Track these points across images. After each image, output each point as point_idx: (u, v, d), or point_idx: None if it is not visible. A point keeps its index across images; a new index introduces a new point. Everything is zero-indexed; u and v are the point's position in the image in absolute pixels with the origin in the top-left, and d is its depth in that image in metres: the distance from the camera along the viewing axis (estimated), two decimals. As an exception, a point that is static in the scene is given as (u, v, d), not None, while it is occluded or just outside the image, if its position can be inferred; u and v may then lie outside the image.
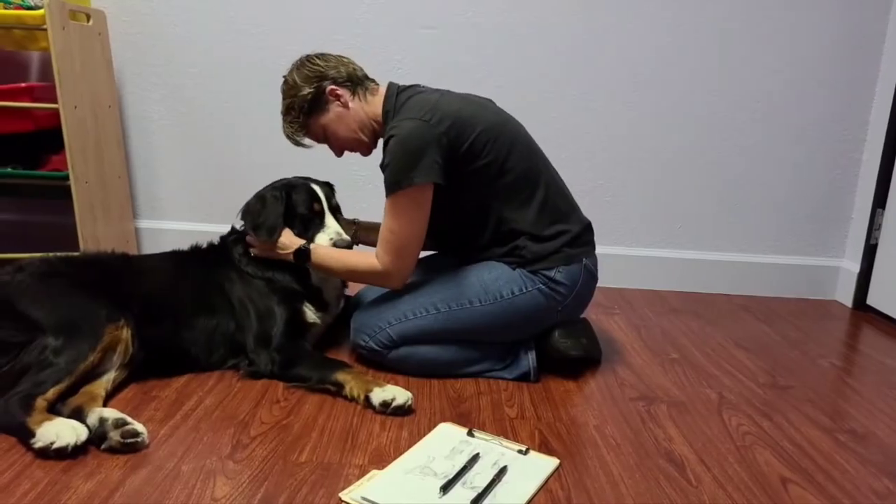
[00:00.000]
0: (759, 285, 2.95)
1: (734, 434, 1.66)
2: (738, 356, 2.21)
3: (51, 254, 1.86)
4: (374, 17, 2.72)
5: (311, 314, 1.93)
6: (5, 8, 2.34)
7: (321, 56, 1.90)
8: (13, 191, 2.70)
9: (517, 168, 1.84)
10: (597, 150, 2.85)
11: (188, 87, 2.82)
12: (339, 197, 2.10)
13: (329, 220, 1.96)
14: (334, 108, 1.87)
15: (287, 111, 1.91)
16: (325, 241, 1.90)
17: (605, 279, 2.90)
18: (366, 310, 1.92)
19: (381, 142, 1.92)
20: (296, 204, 1.93)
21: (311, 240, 1.91)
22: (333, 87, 1.86)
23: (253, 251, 1.94)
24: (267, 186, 2.00)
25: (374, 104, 1.89)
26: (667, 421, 1.71)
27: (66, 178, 2.41)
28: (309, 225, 1.94)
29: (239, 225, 2.00)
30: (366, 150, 1.98)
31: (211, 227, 2.88)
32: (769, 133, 2.83)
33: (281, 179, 2.02)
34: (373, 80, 1.94)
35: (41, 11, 2.29)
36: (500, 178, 1.82)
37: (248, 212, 1.94)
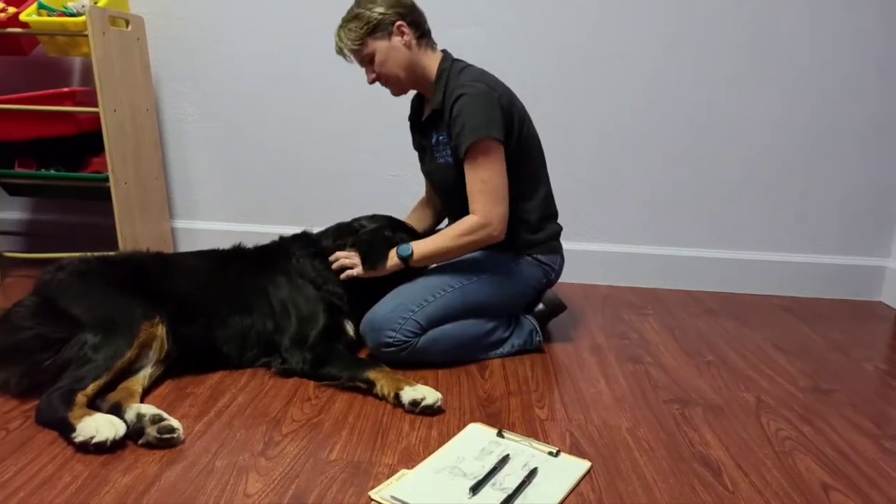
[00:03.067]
0: (800, 286, 2.87)
1: (773, 439, 1.62)
2: (778, 359, 2.16)
3: (89, 253, 1.90)
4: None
5: (349, 329, 1.97)
6: (49, 15, 2.41)
7: None
8: (56, 192, 2.79)
9: (536, 158, 2.06)
10: (629, 147, 2.81)
11: (222, 91, 2.87)
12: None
13: None
14: (395, 41, 1.91)
15: (352, 19, 1.91)
16: None
17: (636, 279, 2.91)
18: (379, 311, 1.91)
19: (412, 92, 2.09)
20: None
21: None
22: (403, 23, 1.90)
23: (336, 265, 1.99)
24: (381, 226, 2.06)
25: (430, 58, 1.98)
26: (702, 424, 1.67)
27: (106, 179, 2.48)
28: None
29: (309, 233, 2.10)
30: (398, 89, 2.03)
31: (244, 227, 2.95)
32: (812, 131, 2.74)
33: (385, 217, 2.12)
34: (434, 41, 2.03)
35: (83, 18, 2.35)
36: (523, 163, 1.99)
37: (363, 241, 1.99)
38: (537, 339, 2.09)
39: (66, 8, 2.43)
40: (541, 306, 2.16)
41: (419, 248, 1.92)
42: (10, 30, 2.43)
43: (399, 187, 2.81)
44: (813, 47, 2.66)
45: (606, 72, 2.73)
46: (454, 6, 2.68)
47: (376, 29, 1.89)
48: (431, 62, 1.98)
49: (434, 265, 2.04)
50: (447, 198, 2.16)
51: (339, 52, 1.97)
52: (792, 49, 2.67)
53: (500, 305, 2.04)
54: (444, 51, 2.04)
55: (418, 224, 2.24)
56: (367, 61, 1.96)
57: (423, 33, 1.97)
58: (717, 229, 2.88)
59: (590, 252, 2.89)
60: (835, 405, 1.82)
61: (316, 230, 2.16)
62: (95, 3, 2.46)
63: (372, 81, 2.01)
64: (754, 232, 2.87)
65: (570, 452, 1.49)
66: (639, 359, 2.09)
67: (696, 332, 2.38)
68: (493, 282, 1.99)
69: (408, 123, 2.19)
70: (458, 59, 2.02)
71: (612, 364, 2.04)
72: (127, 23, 2.60)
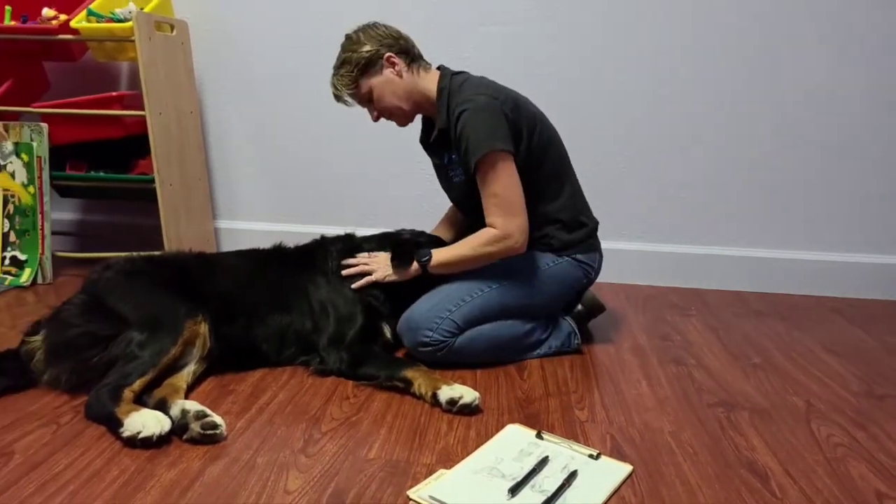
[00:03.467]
0: (851, 286, 2.77)
1: (824, 445, 1.56)
2: (829, 362, 2.08)
3: (135, 253, 1.96)
4: (441, 16, 2.73)
5: (387, 331, 1.98)
6: (98, 22, 2.48)
7: (388, 26, 1.98)
8: (104, 193, 2.87)
9: (554, 158, 2.01)
10: (671, 146, 2.75)
11: (265, 93, 2.91)
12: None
13: None
14: (387, 74, 1.93)
15: (342, 64, 1.95)
16: None
17: (679, 279, 2.85)
18: (416, 310, 1.91)
19: (418, 117, 2.08)
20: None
21: None
22: (391, 54, 1.92)
23: (353, 271, 1.99)
24: (409, 236, 2.12)
25: (426, 80, 1.96)
26: (748, 429, 1.62)
27: (152, 181, 2.54)
28: None
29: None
30: (402, 120, 2.03)
31: (285, 227, 3.00)
32: (865, 126, 2.64)
33: (427, 234, 2.17)
34: (427, 62, 2.02)
35: (129, 24, 2.42)
36: (540, 165, 1.95)
37: (395, 244, 2.03)
38: (576, 342, 2.06)
39: (113, 14, 2.51)
40: (579, 307, 2.13)
41: (438, 254, 1.92)
42: (61, 36, 2.51)
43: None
44: (864, 42, 2.56)
45: (644, 72, 2.68)
46: (483, 5, 2.68)
47: (367, 67, 1.92)
48: (429, 83, 1.95)
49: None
50: (468, 212, 2.14)
51: (338, 99, 2.01)
52: (839, 44, 2.58)
53: (538, 307, 2.01)
54: (440, 67, 2.01)
55: (444, 237, 2.21)
56: (366, 100, 1.99)
57: (413, 58, 1.96)
58: (763, 228, 2.79)
59: (631, 251, 2.84)
60: (890, 410, 1.75)
61: (359, 233, 2.17)
62: (142, 8, 2.53)
63: (376, 119, 2.03)
64: (803, 230, 2.78)
65: (611, 455, 1.47)
66: (682, 360, 2.04)
67: (741, 333, 2.31)
68: (531, 283, 1.96)
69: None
70: (458, 73, 1.98)
71: (655, 365, 2.00)
72: (172, 27, 2.66)
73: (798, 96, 2.65)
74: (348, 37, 1.97)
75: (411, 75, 1.95)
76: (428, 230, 2.25)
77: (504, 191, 1.83)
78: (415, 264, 1.93)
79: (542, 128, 1.98)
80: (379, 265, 1.97)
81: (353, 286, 1.95)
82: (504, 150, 1.81)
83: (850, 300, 2.73)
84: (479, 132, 1.81)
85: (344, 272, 1.98)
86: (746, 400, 1.78)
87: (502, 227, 1.84)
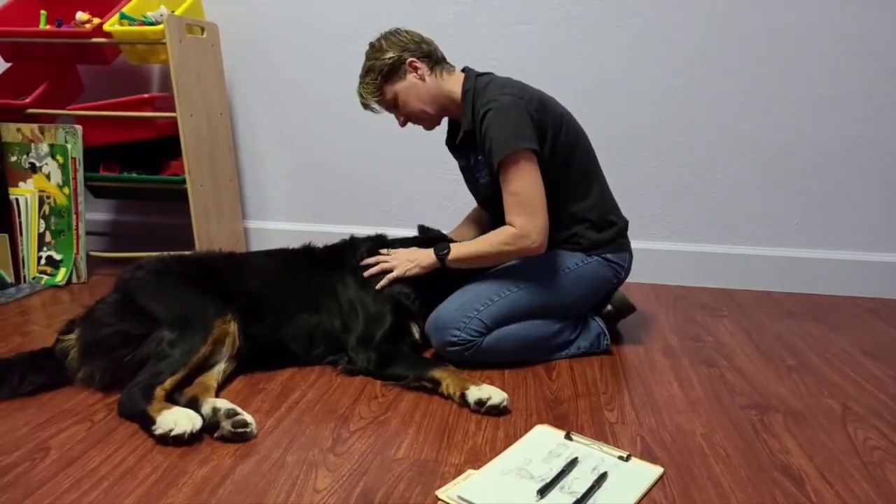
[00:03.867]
0: (889, 287, 2.69)
1: (860, 448, 1.52)
2: (866, 364, 2.03)
3: (166, 253, 1.98)
4: (469, 16, 2.72)
5: (415, 331, 1.97)
6: (130, 25, 2.53)
7: (410, 31, 2.00)
8: (137, 194, 2.92)
9: (581, 158, 1.99)
10: (702, 145, 2.71)
11: (293, 94, 2.94)
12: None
13: None
14: (410, 78, 1.95)
15: (366, 73, 1.98)
16: None
17: (710, 279, 2.80)
18: (444, 309, 1.91)
19: (445, 120, 2.08)
20: None
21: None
22: (414, 59, 1.94)
23: (375, 269, 2.00)
24: (423, 234, 2.15)
25: (450, 82, 1.97)
26: (783, 432, 1.59)
27: (184, 181, 2.58)
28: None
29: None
30: (429, 124, 2.05)
31: (314, 227, 3.02)
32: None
33: (436, 232, 2.16)
34: (451, 64, 2.03)
35: (161, 27, 2.46)
36: (567, 164, 1.95)
37: (421, 242, 2.05)
38: (605, 342, 2.04)
39: (145, 17, 2.55)
40: (609, 308, 2.10)
41: (456, 249, 1.91)
42: (95, 40, 2.56)
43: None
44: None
45: (674, 68, 2.65)
46: (509, 4, 2.67)
47: (390, 74, 1.95)
48: (453, 86, 1.96)
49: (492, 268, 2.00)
50: (494, 214, 2.12)
51: (365, 107, 2.03)
52: (869, 41, 2.51)
53: (567, 307, 1.99)
54: (465, 69, 2.02)
55: (466, 237, 2.18)
56: (392, 106, 2.02)
57: (436, 61, 1.98)
58: (796, 227, 2.74)
59: (661, 251, 2.80)
60: (930, 415, 1.70)
61: (391, 234, 2.17)
62: (173, 11, 2.57)
63: (403, 124, 2.06)
64: (836, 230, 2.71)
65: (642, 457, 1.45)
66: (714, 362, 2.01)
67: (774, 334, 2.27)
68: (560, 283, 1.95)
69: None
70: (483, 74, 1.98)
71: (686, 367, 1.97)
72: (202, 30, 2.69)
73: (825, 93, 2.59)
74: (371, 45, 1.99)
75: (435, 79, 1.96)
76: (451, 230, 2.25)
77: (525, 189, 1.82)
78: (433, 257, 1.93)
79: (569, 127, 1.96)
80: (399, 261, 1.97)
81: (378, 286, 1.95)
82: (528, 150, 1.80)
83: (885, 300, 2.66)
84: (503, 132, 1.81)
85: (365, 273, 1.98)
86: (780, 402, 1.75)
87: (521, 226, 1.83)
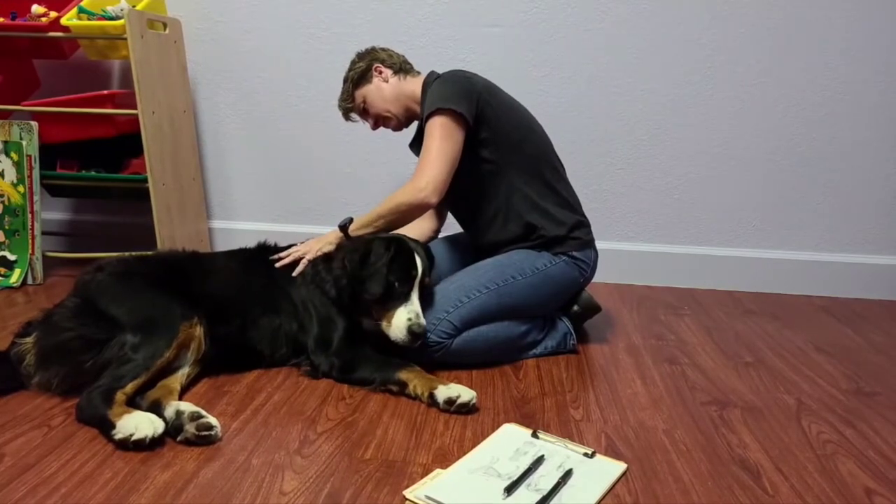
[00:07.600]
0: (842, 286, 2.80)
1: (814, 442, 1.58)
2: (819, 360, 2.10)
3: (127, 253, 1.94)
4: (438, 18, 2.73)
5: (367, 322, 1.87)
6: (89, 19, 2.46)
7: (385, 48, 2.19)
8: (96, 193, 2.85)
9: (537, 144, 2.06)
10: (664, 146, 2.76)
11: (259, 92, 2.90)
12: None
13: (414, 297, 1.81)
14: (376, 81, 2.13)
15: (343, 82, 2.18)
16: (403, 319, 1.77)
17: (673, 278, 2.86)
18: None
19: (414, 124, 2.18)
20: (392, 270, 1.80)
21: (390, 310, 1.80)
22: (380, 65, 2.12)
23: (286, 261, 1.98)
24: (378, 239, 1.89)
25: (412, 83, 2.12)
26: (741, 427, 1.64)
27: (145, 180, 2.53)
28: (392, 292, 1.80)
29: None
30: (394, 124, 2.18)
31: (280, 227, 2.99)
32: (849, 129, 2.67)
33: (391, 235, 1.93)
34: (418, 70, 2.19)
35: (121, 22, 2.40)
36: (521, 144, 2.02)
37: (355, 258, 1.84)
38: (571, 342, 2.08)
39: (105, 11, 2.49)
40: (576, 308, 2.14)
41: (359, 218, 1.98)
42: (51, 34, 2.49)
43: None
44: (869, 45, 2.58)
45: (640, 72, 2.70)
46: (479, 7, 2.69)
47: (360, 80, 2.14)
48: (414, 86, 2.10)
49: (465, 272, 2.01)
50: (452, 208, 2.23)
51: (347, 118, 2.22)
52: (856, 44, 2.60)
53: (535, 307, 2.02)
54: (431, 72, 2.10)
55: (419, 236, 2.14)
56: (361, 111, 2.18)
57: (401, 67, 2.14)
58: (755, 228, 2.82)
59: (625, 252, 2.85)
60: (878, 408, 1.77)
61: None
62: (134, 6, 2.51)
63: (374, 127, 2.21)
64: (793, 231, 2.80)
65: (606, 454, 1.47)
66: (676, 360, 2.05)
67: (734, 332, 2.33)
68: (528, 283, 1.97)
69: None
70: (444, 73, 2.04)
71: (649, 365, 2.01)
72: (164, 26, 2.64)
73: (779, 100, 2.67)
74: (351, 61, 2.17)
75: (398, 80, 2.12)
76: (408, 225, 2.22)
77: (436, 146, 1.88)
78: (336, 231, 1.97)
79: (520, 115, 2.06)
80: (308, 247, 1.99)
81: (294, 273, 1.94)
82: (453, 111, 1.87)
83: (837, 299, 2.76)
84: (436, 94, 1.92)
85: (277, 265, 1.96)
86: (739, 398, 1.80)
87: (417, 178, 1.89)
